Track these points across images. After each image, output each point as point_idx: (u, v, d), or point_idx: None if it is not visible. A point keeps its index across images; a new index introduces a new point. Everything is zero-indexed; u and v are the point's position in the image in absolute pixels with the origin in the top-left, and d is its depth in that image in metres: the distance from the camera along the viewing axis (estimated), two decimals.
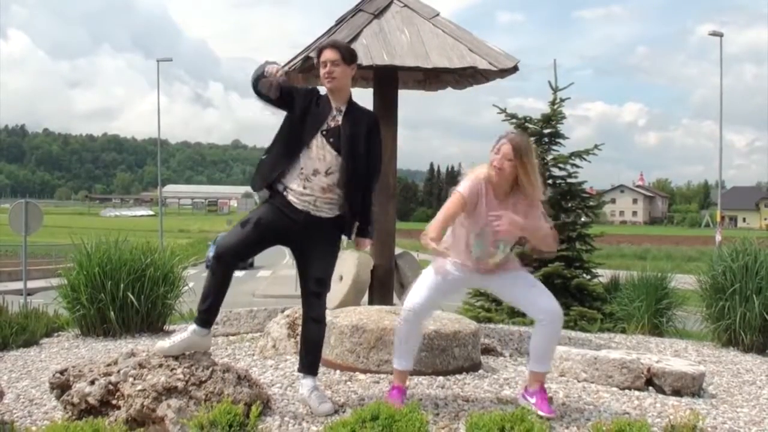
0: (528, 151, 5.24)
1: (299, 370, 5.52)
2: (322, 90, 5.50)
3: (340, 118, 5.40)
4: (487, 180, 5.28)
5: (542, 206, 5.46)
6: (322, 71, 5.39)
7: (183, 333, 5.40)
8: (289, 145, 5.36)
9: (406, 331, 5.40)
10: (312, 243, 5.40)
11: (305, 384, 5.42)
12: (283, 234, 5.38)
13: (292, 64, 7.93)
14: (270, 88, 5.22)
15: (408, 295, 5.43)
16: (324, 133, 5.33)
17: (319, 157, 5.31)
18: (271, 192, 5.40)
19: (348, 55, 5.46)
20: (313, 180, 5.30)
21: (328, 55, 5.40)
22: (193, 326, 5.38)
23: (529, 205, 5.34)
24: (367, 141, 5.45)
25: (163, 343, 5.29)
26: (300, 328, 5.72)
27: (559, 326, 5.40)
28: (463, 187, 5.25)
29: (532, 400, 5.42)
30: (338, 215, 5.43)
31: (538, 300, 5.32)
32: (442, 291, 5.38)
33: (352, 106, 5.50)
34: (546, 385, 6.10)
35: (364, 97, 8.84)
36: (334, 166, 5.34)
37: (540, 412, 5.23)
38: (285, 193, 5.32)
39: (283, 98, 5.32)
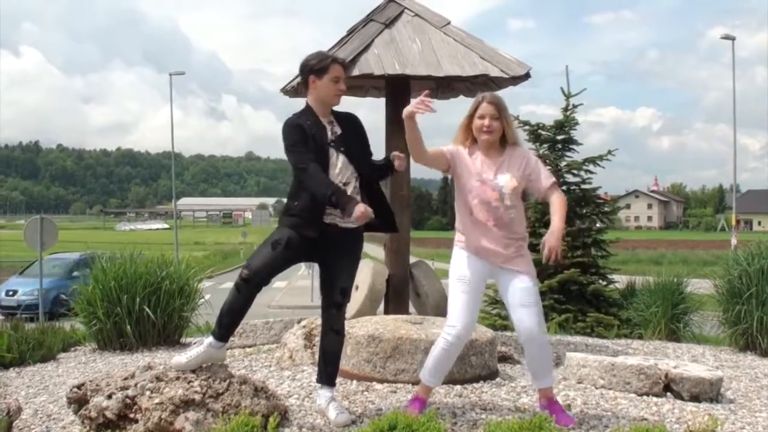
0: (504, 103, 5.42)
1: (318, 381, 5.52)
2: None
3: (337, 129, 5.41)
4: (463, 148, 5.47)
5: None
6: (336, 86, 5.35)
7: (199, 347, 5.37)
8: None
9: (448, 354, 5.36)
10: (338, 254, 5.38)
11: (323, 395, 5.41)
12: (312, 249, 5.35)
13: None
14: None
15: (449, 320, 5.32)
16: (332, 145, 5.34)
17: (337, 171, 5.31)
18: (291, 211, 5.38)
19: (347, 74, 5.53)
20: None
21: (342, 73, 5.43)
22: (209, 339, 5.36)
23: (520, 156, 5.45)
24: (362, 139, 5.54)
25: (180, 359, 5.29)
26: (317, 339, 5.72)
27: (542, 348, 5.38)
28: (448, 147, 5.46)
29: (547, 412, 5.43)
30: (359, 225, 5.43)
31: (523, 320, 5.29)
32: (472, 299, 5.35)
33: (335, 113, 5.51)
34: (564, 392, 6.11)
35: (377, 106, 8.85)
36: (349, 174, 5.35)
37: (560, 425, 5.23)
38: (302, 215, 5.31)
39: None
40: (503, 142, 5.43)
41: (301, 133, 5.29)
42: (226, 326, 5.34)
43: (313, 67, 5.37)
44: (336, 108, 5.50)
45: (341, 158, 5.33)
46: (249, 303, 5.29)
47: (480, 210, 5.31)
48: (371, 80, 8.36)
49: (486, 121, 5.32)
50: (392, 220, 5.69)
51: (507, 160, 5.39)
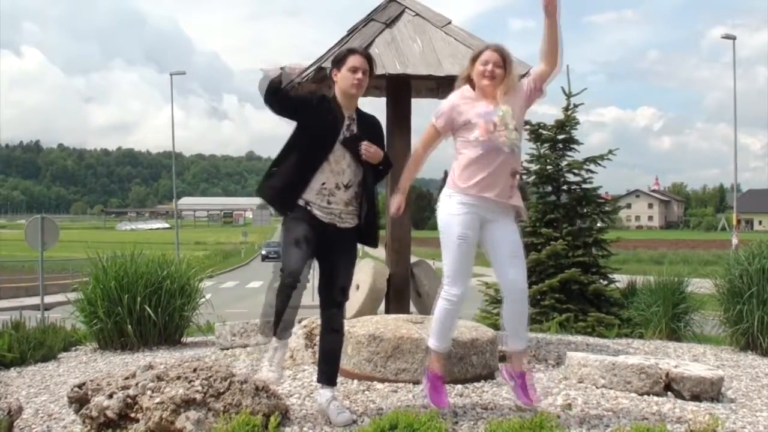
0: (511, 55, 5.50)
1: (318, 381, 5.52)
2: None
3: (354, 127, 5.39)
4: (462, 95, 5.50)
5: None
6: (352, 76, 5.33)
7: (270, 353, 5.39)
8: (307, 159, 5.29)
9: (449, 315, 5.40)
10: (337, 253, 5.39)
11: (323, 394, 5.41)
12: (317, 245, 5.34)
13: (305, 74, 7.94)
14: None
15: (452, 282, 5.35)
16: (342, 142, 5.32)
17: (340, 170, 5.30)
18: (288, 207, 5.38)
19: (372, 67, 5.49)
20: (337, 194, 5.30)
21: (361, 63, 5.38)
22: (274, 343, 5.40)
23: (519, 95, 5.49)
24: (379, 145, 5.49)
25: (268, 375, 5.27)
26: (317, 338, 5.72)
27: (524, 303, 5.44)
28: (435, 114, 5.52)
29: (512, 383, 5.47)
30: (357, 224, 5.43)
31: (509, 272, 5.34)
32: (472, 257, 5.37)
33: (359, 112, 5.50)
34: (564, 392, 6.11)
35: (377, 106, 8.85)
36: (353, 177, 5.35)
37: (519, 401, 5.28)
38: (309, 208, 5.29)
39: (297, 107, 5.31)
40: None
41: (317, 104, 5.36)
42: (282, 326, 5.35)
43: (333, 60, 5.46)
44: (363, 108, 5.52)
45: (347, 157, 5.32)
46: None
47: (486, 143, 5.30)
48: (372, 79, 8.32)
49: (489, 66, 5.35)
50: (373, 236, 5.66)
51: (507, 99, 5.42)
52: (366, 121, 5.49)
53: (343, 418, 5.26)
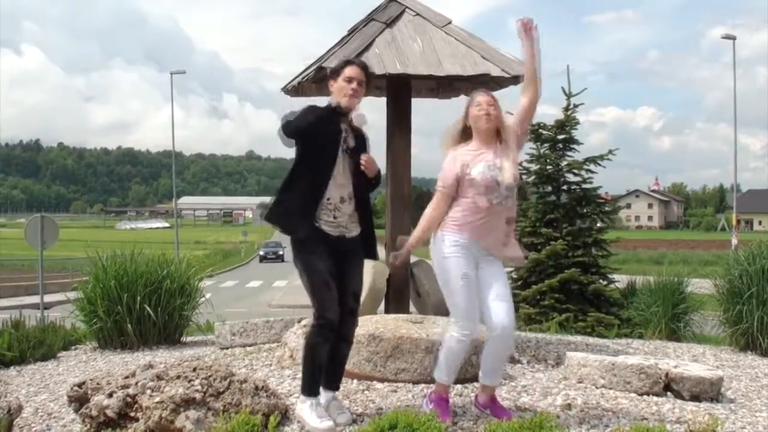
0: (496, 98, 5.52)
1: (324, 386, 5.45)
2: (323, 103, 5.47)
3: (350, 139, 5.39)
4: (461, 152, 5.46)
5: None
6: (348, 86, 5.31)
7: (317, 410, 5.20)
8: (316, 179, 5.26)
9: (461, 353, 5.39)
10: (348, 260, 5.37)
11: (324, 395, 5.41)
12: (334, 259, 5.30)
13: (305, 74, 7.95)
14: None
15: (462, 320, 5.32)
16: (345, 153, 5.33)
17: (342, 183, 5.31)
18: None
19: (369, 80, 5.49)
20: (342, 208, 5.29)
21: (358, 74, 5.37)
22: (305, 399, 5.26)
23: (511, 137, 5.49)
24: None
25: (322, 425, 5.10)
26: None
27: (506, 341, 5.40)
28: (441, 180, 5.44)
29: (487, 411, 5.47)
30: (361, 231, 5.45)
31: (499, 312, 5.31)
32: (475, 294, 5.35)
33: (349, 123, 5.48)
34: (564, 392, 6.12)
35: (377, 106, 8.86)
36: (350, 191, 5.36)
37: (500, 419, 5.32)
38: (317, 224, 5.25)
39: (309, 126, 5.23)
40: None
41: (325, 116, 5.28)
42: (318, 379, 5.30)
43: (331, 71, 5.45)
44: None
45: (347, 169, 5.33)
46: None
47: (484, 197, 5.29)
48: (372, 79, 8.36)
49: (483, 107, 5.39)
50: (374, 248, 5.68)
51: (502, 146, 5.44)
52: (355, 131, 5.48)
53: (343, 418, 5.27)
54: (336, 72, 5.41)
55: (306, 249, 5.25)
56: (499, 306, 5.31)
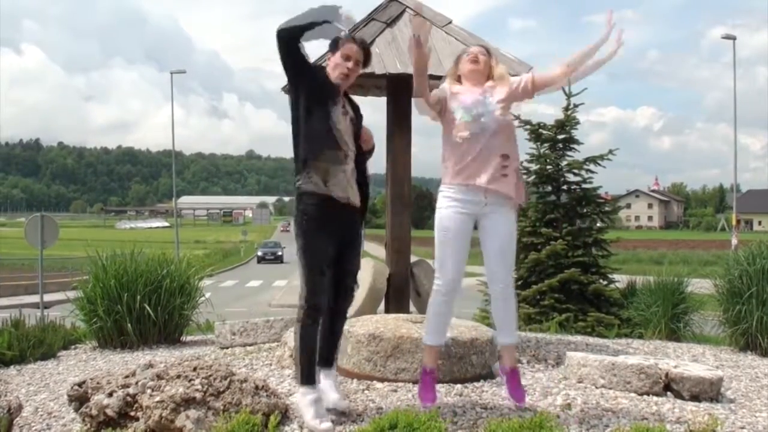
0: (492, 49, 5.74)
1: (319, 364, 5.40)
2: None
3: (348, 107, 5.40)
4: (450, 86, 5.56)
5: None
6: (345, 64, 5.28)
7: (315, 408, 5.12)
8: (322, 123, 5.19)
9: (440, 307, 5.41)
10: (350, 236, 5.36)
11: (322, 377, 5.43)
12: (336, 240, 5.28)
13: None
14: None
15: (437, 272, 5.38)
16: (344, 114, 5.32)
17: (348, 140, 5.29)
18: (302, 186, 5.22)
19: (367, 61, 5.48)
20: (346, 163, 5.26)
21: (355, 52, 5.33)
22: (301, 389, 5.22)
23: (506, 85, 5.52)
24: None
25: (322, 426, 5.04)
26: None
27: (507, 298, 5.46)
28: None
29: (504, 377, 5.57)
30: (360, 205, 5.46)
31: (500, 269, 5.37)
32: (458, 248, 5.35)
33: (345, 94, 5.49)
34: (564, 392, 6.12)
35: (378, 106, 8.86)
36: (353, 152, 5.36)
37: (512, 398, 5.33)
38: (326, 185, 5.16)
39: (304, 63, 5.23)
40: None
41: (318, 71, 5.31)
42: (313, 366, 5.27)
43: (331, 42, 5.39)
44: (363, 108, 5.54)
45: (350, 130, 5.33)
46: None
47: (471, 126, 5.31)
48: (373, 79, 8.36)
49: (473, 54, 5.50)
50: (366, 208, 5.65)
51: (493, 85, 5.51)
52: (353, 103, 5.53)
53: (343, 405, 5.39)
54: (336, 45, 5.36)
55: (313, 225, 5.17)
56: (497, 263, 5.35)
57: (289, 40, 5.12)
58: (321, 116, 5.17)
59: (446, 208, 5.36)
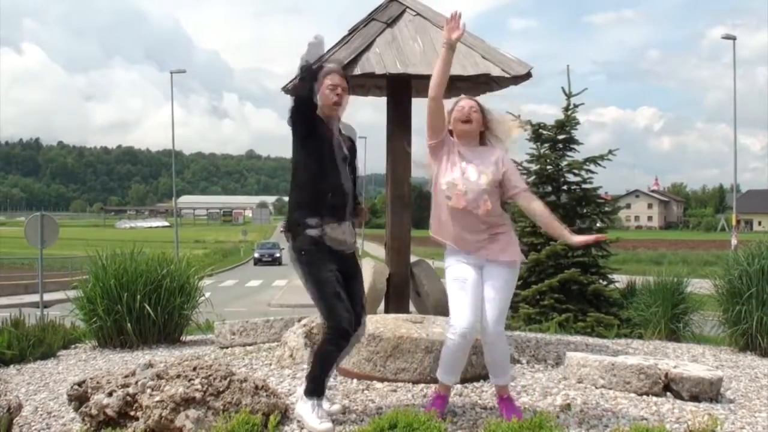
0: (484, 105, 5.47)
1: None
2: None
3: (343, 144, 5.38)
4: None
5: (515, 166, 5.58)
6: (332, 93, 5.27)
7: (317, 411, 5.18)
8: (325, 181, 5.25)
9: (459, 352, 5.35)
10: (349, 267, 5.38)
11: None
12: (336, 267, 5.28)
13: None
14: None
15: (453, 319, 5.32)
16: (344, 160, 5.33)
17: (347, 190, 5.32)
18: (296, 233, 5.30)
19: (349, 83, 5.48)
20: (344, 217, 5.29)
21: (339, 80, 5.34)
22: (313, 403, 5.23)
23: (497, 153, 5.41)
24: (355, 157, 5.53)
25: (321, 426, 5.10)
26: (317, 337, 5.72)
27: (498, 346, 5.36)
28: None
29: (500, 405, 5.49)
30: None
31: (488, 316, 5.30)
32: (471, 295, 5.33)
33: (340, 131, 5.47)
34: (564, 392, 6.12)
35: (378, 106, 8.86)
36: (350, 186, 5.36)
37: (509, 418, 5.33)
38: (322, 236, 5.21)
39: (313, 120, 5.25)
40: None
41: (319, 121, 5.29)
42: (322, 384, 5.31)
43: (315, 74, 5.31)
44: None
45: (348, 177, 5.34)
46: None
47: (456, 194, 5.26)
48: (373, 79, 8.37)
49: (465, 110, 5.37)
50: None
51: (484, 151, 5.41)
52: (345, 133, 5.51)
53: (335, 408, 5.46)
54: (316, 78, 5.33)
55: (312, 257, 5.22)
56: (487, 311, 5.30)
57: (308, 98, 5.18)
58: (330, 174, 5.24)
59: (457, 263, 5.35)
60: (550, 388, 6.37)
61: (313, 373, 5.23)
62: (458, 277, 5.30)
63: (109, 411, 4.99)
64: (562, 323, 12.31)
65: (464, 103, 5.42)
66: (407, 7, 8.32)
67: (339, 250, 5.28)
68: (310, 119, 5.21)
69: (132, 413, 5.00)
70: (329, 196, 5.21)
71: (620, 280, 14.25)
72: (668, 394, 6.29)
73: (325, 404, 5.34)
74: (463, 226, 5.30)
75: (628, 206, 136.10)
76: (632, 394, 6.23)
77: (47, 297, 21.64)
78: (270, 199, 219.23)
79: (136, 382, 5.12)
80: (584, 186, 14.39)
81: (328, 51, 7.94)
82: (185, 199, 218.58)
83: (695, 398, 6.22)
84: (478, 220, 5.29)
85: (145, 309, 9.31)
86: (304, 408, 5.18)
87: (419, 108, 8.55)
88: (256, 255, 65.69)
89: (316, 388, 5.20)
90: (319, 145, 5.23)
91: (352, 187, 5.38)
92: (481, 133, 5.43)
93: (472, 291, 5.30)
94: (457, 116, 5.36)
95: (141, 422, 4.90)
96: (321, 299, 5.18)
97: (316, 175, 5.21)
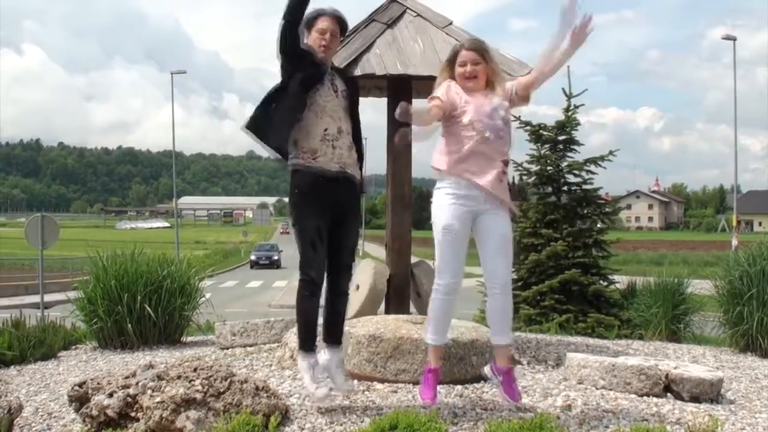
0: (486, 46, 5.53)
1: (324, 341, 5.63)
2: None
3: (337, 81, 5.52)
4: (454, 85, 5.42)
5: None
6: (319, 37, 5.42)
7: (311, 373, 5.36)
8: (303, 103, 5.35)
9: (443, 307, 5.37)
10: (346, 211, 5.47)
11: (327, 354, 5.58)
12: (331, 213, 5.38)
13: None
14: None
15: (438, 273, 5.34)
16: (334, 91, 5.43)
17: (339, 116, 5.41)
18: (285, 160, 5.49)
19: (344, 31, 5.64)
20: (340, 139, 5.38)
21: (328, 24, 5.45)
22: (309, 360, 5.41)
23: (504, 98, 5.45)
24: (358, 104, 5.68)
25: (320, 392, 5.27)
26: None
27: (505, 297, 5.39)
28: (437, 92, 5.36)
29: (499, 378, 5.47)
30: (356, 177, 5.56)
31: (499, 267, 5.33)
32: (460, 248, 5.33)
33: (334, 67, 5.65)
34: (564, 393, 6.12)
35: (378, 106, 8.85)
36: (348, 124, 5.46)
37: (507, 397, 5.31)
38: (316, 160, 5.33)
39: (303, 54, 5.35)
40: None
41: (311, 52, 5.40)
42: (313, 336, 5.42)
43: (304, 22, 5.44)
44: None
45: (342, 105, 5.47)
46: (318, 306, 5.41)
47: (475, 127, 5.25)
48: (373, 80, 8.36)
49: (468, 68, 5.35)
50: (364, 187, 5.82)
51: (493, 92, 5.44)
52: (342, 74, 5.76)
53: (348, 385, 5.53)
54: (308, 24, 5.47)
55: (303, 200, 5.36)
56: (495, 262, 5.32)
57: (293, 23, 5.24)
58: (310, 101, 5.35)
59: (449, 205, 5.28)
60: (550, 389, 6.36)
61: (297, 324, 5.44)
62: (448, 226, 5.26)
63: (109, 412, 4.99)
64: (563, 324, 12.30)
65: (464, 56, 5.41)
66: (407, 7, 8.32)
67: (337, 171, 5.36)
68: (297, 45, 5.34)
69: (132, 414, 5.00)
70: (315, 122, 5.35)
71: (621, 281, 14.24)
72: (669, 395, 6.29)
73: (322, 357, 5.46)
74: (487, 158, 5.27)
75: (629, 207, 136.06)
76: (633, 395, 6.23)
77: (48, 298, 21.68)
78: (270, 200, 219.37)
79: (137, 383, 5.11)
80: (585, 187, 14.38)
81: None
82: (186, 200, 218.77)
83: (696, 399, 6.22)
84: (500, 150, 5.31)
85: (146, 310, 9.31)
86: (302, 365, 5.40)
87: None
88: (253, 257, 62.53)
89: (302, 342, 5.39)
90: (307, 78, 5.34)
91: (346, 111, 5.52)
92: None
93: (461, 244, 5.30)
94: (460, 72, 5.39)
95: (141, 423, 4.90)
96: (298, 242, 5.36)
97: (300, 99, 5.34)
